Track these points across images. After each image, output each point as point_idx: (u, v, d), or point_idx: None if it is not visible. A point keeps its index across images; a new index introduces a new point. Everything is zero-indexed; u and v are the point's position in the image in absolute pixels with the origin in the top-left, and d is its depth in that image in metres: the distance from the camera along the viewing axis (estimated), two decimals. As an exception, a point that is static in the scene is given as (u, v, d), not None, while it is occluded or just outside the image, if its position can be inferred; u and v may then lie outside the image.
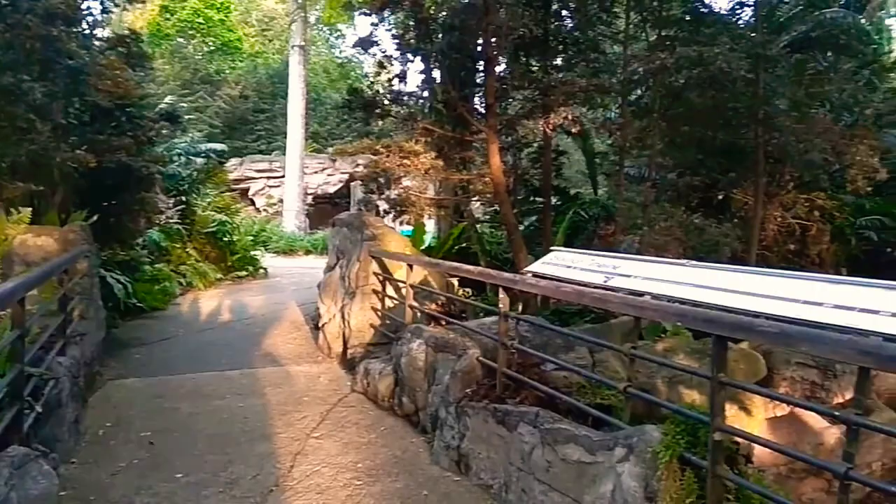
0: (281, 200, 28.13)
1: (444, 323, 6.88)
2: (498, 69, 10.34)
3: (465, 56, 10.25)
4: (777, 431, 7.88)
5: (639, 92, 11.17)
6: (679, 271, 3.55)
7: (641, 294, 3.39)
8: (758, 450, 7.71)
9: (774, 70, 9.35)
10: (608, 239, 11.34)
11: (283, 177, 28.01)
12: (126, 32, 10.31)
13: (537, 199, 12.70)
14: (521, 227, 12.91)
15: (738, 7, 10.83)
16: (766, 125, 9.50)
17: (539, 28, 9.39)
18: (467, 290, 9.98)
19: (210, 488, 4.55)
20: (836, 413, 2.49)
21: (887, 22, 20.14)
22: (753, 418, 7.66)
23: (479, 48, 10.04)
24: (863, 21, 12.76)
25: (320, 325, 9.22)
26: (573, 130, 11.09)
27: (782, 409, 7.73)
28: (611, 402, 4.52)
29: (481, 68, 10.30)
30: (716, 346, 2.76)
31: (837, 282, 2.73)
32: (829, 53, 10.85)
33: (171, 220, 13.93)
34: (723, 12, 10.73)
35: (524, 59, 10.59)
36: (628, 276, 3.73)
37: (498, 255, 13.05)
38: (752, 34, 9.74)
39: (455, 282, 8.63)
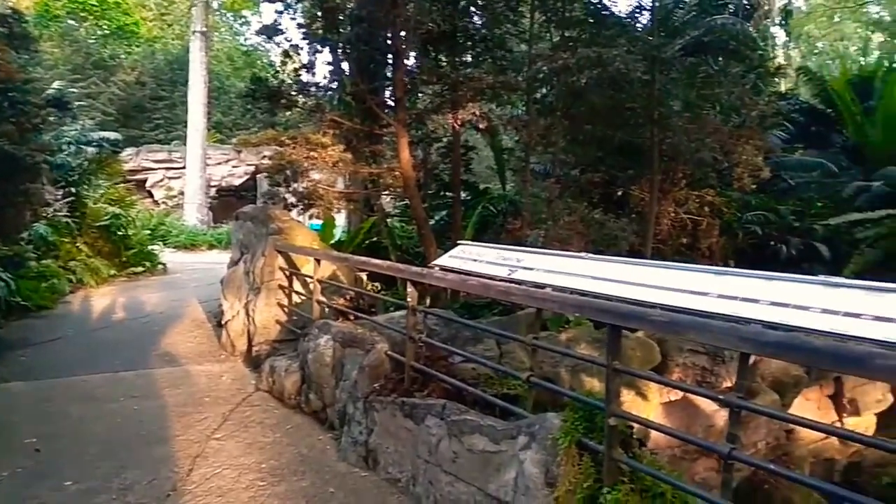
0: (182, 193, 26.89)
1: (352, 318, 6.82)
2: (407, 63, 10.32)
3: (374, 48, 10.16)
4: (671, 415, 8.34)
5: (544, 90, 11.48)
6: (579, 264, 3.68)
7: (543, 286, 3.48)
8: (654, 433, 8.13)
9: (669, 73, 9.87)
10: (516, 233, 11.60)
11: (183, 168, 26.77)
12: (8, 11, 9.51)
13: (447, 193, 12.81)
14: (432, 222, 12.99)
15: (636, 11, 11.32)
16: (661, 125, 10.00)
17: (447, 24, 9.44)
18: (377, 284, 9.93)
19: (102, 495, 4.30)
20: (720, 396, 2.66)
21: (772, 30, 21.76)
22: (650, 403, 8.08)
23: (388, 41, 9.98)
24: (750, 28, 13.69)
25: (223, 322, 8.90)
26: (481, 126, 11.24)
27: (676, 394, 8.20)
28: (517, 391, 4.64)
29: (391, 61, 10.25)
30: (610, 335, 2.88)
31: (722, 273, 2.91)
32: (720, 58, 11.57)
33: (59, 213, 13.00)
34: (622, 16, 11.18)
35: (433, 53, 10.63)
36: (531, 268, 3.82)
37: (409, 250, 13.07)
38: (650, 38, 10.22)
39: (364, 276, 8.56)
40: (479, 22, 10.34)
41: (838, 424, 9.43)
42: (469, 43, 10.46)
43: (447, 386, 4.56)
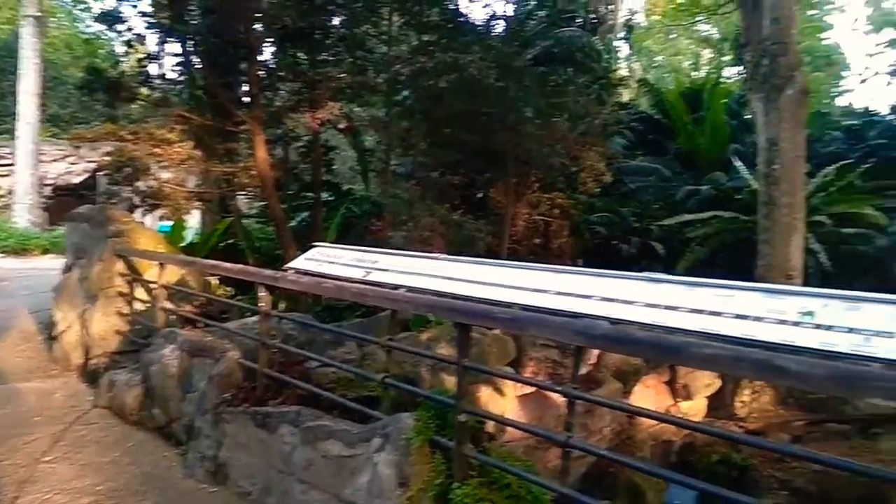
0: (11, 192, 24.09)
1: (201, 325, 6.45)
2: (263, 59, 9.95)
3: (227, 41, 9.67)
4: (526, 407, 8.68)
5: (405, 93, 11.57)
6: (433, 265, 3.74)
7: (397, 287, 3.50)
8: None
9: (522, 81, 10.31)
10: (379, 234, 11.61)
11: (12, 165, 24.00)
12: None
13: (308, 194, 12.53)
14: (293, 223, 12.65)
15: (491, 20, 11.72)
16: (515, 131, 10.43)
17: (305, 20, 9.22)
18: (229, 289, 9.49)
19: None
20: (557, 388, 2.81)
21: (616, 43, 23.43)
22: (506, 397, 8.37)
23: (241, 34, 9.56)
24: (595, 41, 14.66)
25: (55, 334, 8.08)
26: (342, 126, 11.13)
27: (530, 388, 8.56)
28: (378, 393, 4.62)
29: (245, 56, 9.83)
30: (460, 333, 2.95)
31: (560, 271, 3.07)
32: (569, 68, 12.27)
33: None
34: (478, 23, 11.53)
35: (291, 50, 10.33)
36: (387, 270, 3.83)
37: (268, 252, 12.64)
38: (503, 46, 10.62)
39: (215, 281, 8.14)
40: (338, 21, 10.20)
41: (674, 409, 10.33)
42: (328, 41, 10.29)
43: (303, 392, 4.45)
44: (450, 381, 7.23)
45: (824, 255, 12.71)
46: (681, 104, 17.59)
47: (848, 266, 13.16)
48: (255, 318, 5.73)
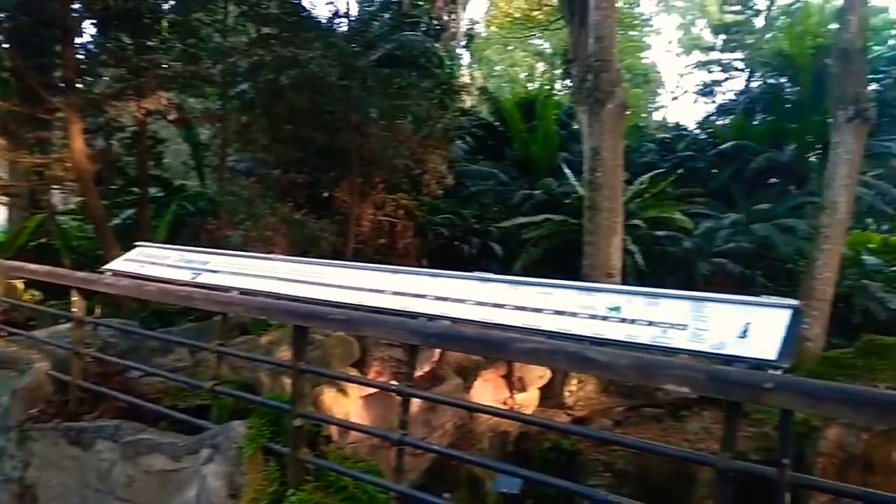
0: None
1: (4, 334, 5.72)
2: (82, 41, 9.06)
3: (39, 21, 8.69)
4: (371, 407, 8.69)
5: (244, 86, 11.09)
6: (268, 266, 3.62)
7: (229, 289, 3.35)
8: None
9: (365, 81, 10.31)
10: (215, 233, 11.01)
11: None
12: None
13: (135, 189, 11.57)
14: (118, 221, 11.63)
15: (335, 18, 11.60)
16: (359, 131, 10.41)
17: (131, 2, 8.52)
18: (37, 293, 8.50)
19: None
20: (392, 386, 2.86)
21: (458, 51, 24.19)
22: (350, 398, 8.32)
23: (56, 14, 8.62)
24: (438, 48, 15.01)
25: None
26: (172, 118, 10.40)
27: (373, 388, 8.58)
28: (211, 403, 4.37)
29: (60, 37, 8.86)
30: (295, 335, 2.88)
31: (397, 272, 3.12)
32: (413, 72, 12.46)
33: None
34: (321, 20, 11.35)
35: (115, 33, 9.49)
36: (217, 271, 3.64)
37: (88, 253, 11.49)
38: (347, 45, 10.55)
39: (21, 285, 7.27)
40: (168, 5, 9.54)
41: (510, 401, 10.89)
42: (157, 27, 9.58)
43: (123, 404, 4.10)
44: (291, 386, 7.05)
45: (640, 256, 14.05)
46: (517, 113, 18.56)
47: (660, 265, 14.67)
48: (67, 326, 5.19)
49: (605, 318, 2.34)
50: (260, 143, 10.17)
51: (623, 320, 2.31)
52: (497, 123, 19.67)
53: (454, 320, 2.55)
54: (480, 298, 2.64)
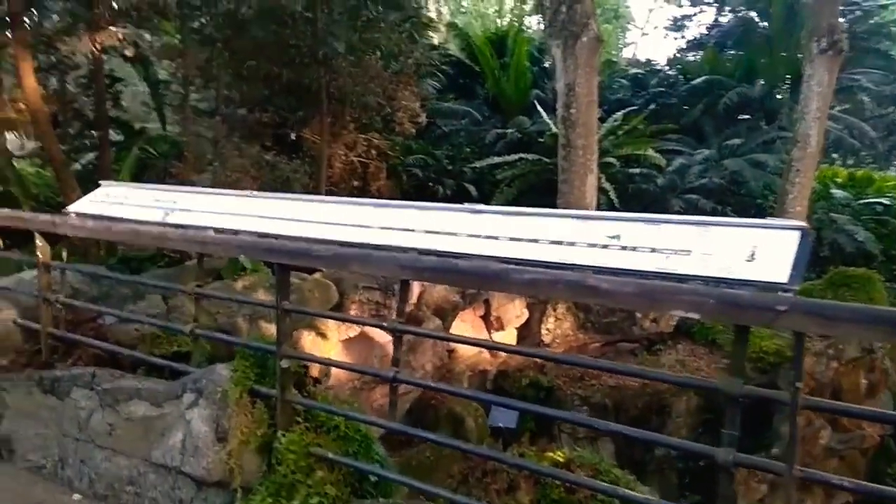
0: None
1: (-36, 284, 5.47)
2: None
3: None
4: (351, 350, 8.69)
5: (203, 20, 10.50)
6: (244, 203, 3.44)
7: (204, 229, 3.18)
8: (335, 369, 8.36)
9: (331, 13, 9.84)
10: (182, 177, 10.64)
11: None
12: None
13: (94, 132, 11.06)
14: (79, 166, 11.17)
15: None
16: (327, 66, 10.00)
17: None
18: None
19: None
20: (384, 324, 2.76)
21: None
22: (329, 341, 8.27)
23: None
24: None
25: None
26: (129, 54, 9.85)
27: (354, 330, 8.53)
28: (191, 348, 4.25)
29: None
30: (279, 274, 2.75)
31: (382, 206, 2.98)
32: (379, 6, 11.94)
33: None
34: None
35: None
36: (190, 210, 3.46)
37: (49, 200, 11.05)
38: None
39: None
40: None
41: (489, 340, 10.98)
42: (106, -45, 8.94)
43: (98, 352, 3.96)
44: (269, 330, 6.92)
45: (614, 194, 14.05)
46: (488, 49, 18.09)
47: (633, 203, 14.70)
48: (33, 273, 4.96)
49: (605, 247, 2.25)
50: (222, 81, 9.70)
51: (624, 248, 2.22)
52: (468, 61, 19.18)
53: (446, 254, 2.44)
54: (473, 231, 2.53)
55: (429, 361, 10.06)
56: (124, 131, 12.79)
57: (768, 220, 2.13)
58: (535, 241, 2.39)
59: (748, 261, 2.00)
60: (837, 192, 15.94)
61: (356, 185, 11.97)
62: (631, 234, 2.26)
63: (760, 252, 2.01)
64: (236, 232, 3.09)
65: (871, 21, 17.43)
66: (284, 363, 2.77)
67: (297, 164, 9.55)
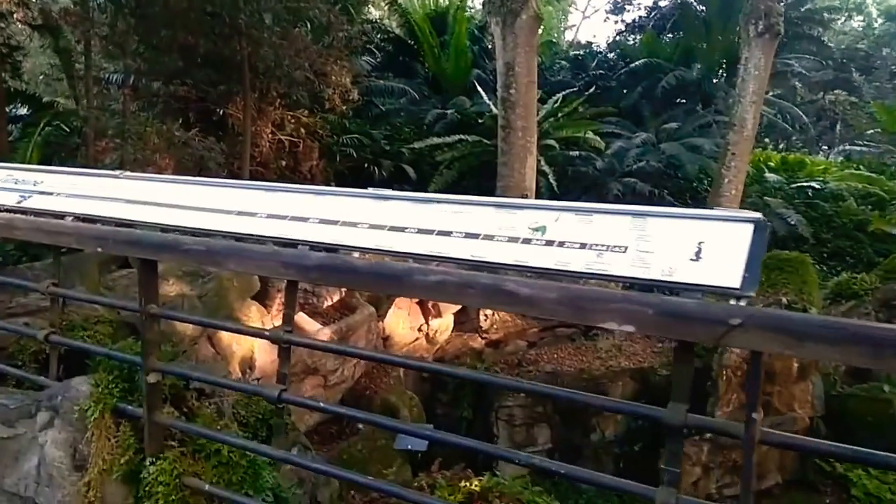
0: None
1: None
2: None
3: None
4: (272, 348, 8.20)
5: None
6: (115, 186, 2.92)
7: (63, 215, 2.66)
8: (259, 361, 7.83)
9: (254, -21, 9.14)
10: (98, 156, 9.77)
11: None
12: None
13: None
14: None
15: None
16: (250, 37, 9.29)
17: None
18: None
19: None
20: (267, 333, 2.34)
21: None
22: (247, 339, 7.75)
23: None
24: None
25: None
26: (31, 21, 8.91)
27: (279, 320, 8.00)
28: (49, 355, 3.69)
29: None
30: (142, 271, 2.28)
31: (273, 189, 2.53)
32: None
33: None
34: None
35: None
36: (52, 193, 2.92)
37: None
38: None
39: None
40: None
41: (425, 327, 10.65)
42: None
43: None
44: (179, 327, 6.36)
45: (553, 177, 13.85)
46: (427, 27, 17.57)
47: (573, 186, 14.57)
48: None
49: (527, 241, 1.88)
50: (128, 50, 8.84)
51: (550, 243, 1.85)
52: (407, 38, 18.62)
53: (342, 248, 2.02)
54: (376, 220, 2.12)
55: (366, 345, 9.65)
56: (31, 105, 11.74)
57: (717, 211, 1.79)
58: (448, 233, 2.00)
59: (693, 260, 1.66)
60: (771, 176, 16.23)
61: (285, 164, 11.31)
62: (558, 225, 1.90)
63: (708, 249, 1.68)
64: (98, 219, 2.58)
65: (804, 7, 17.73)
66: (152, 377, 2.31)
67: (212, 142, 8.84)
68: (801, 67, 18.83)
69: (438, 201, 2.17)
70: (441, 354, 11.21)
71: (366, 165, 13.22)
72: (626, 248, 1.77)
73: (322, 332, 8.79)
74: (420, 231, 2.06)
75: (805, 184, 15.93)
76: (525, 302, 1.63)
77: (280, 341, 2.10)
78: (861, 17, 26.11)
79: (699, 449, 8.17)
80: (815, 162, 19.38)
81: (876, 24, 25.21)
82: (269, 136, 10.73)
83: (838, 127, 25.03)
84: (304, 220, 2.23)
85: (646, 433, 9.25)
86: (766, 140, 21.88)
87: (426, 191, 13.11)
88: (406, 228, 2.07)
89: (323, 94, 10.43)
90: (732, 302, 1.54)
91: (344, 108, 10.23)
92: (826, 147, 25.52)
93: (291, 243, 2.15)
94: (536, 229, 1.92)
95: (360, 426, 8.99)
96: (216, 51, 9.37)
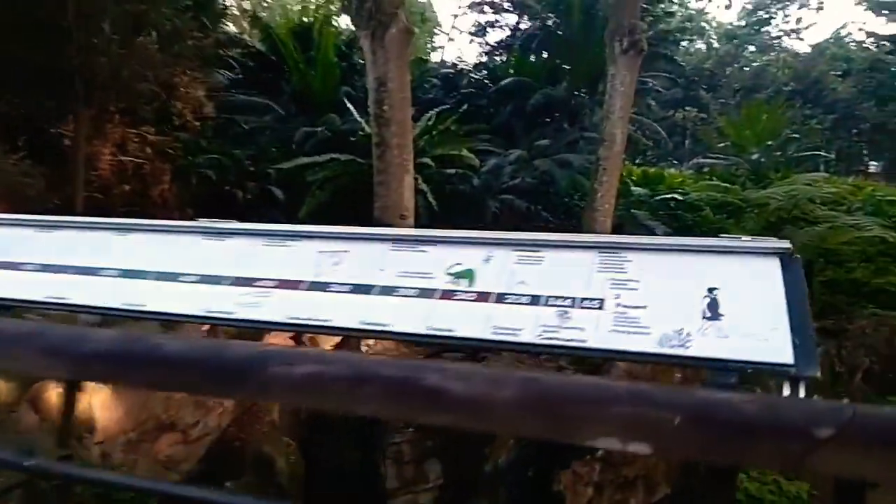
0: None
1: None
2: None
3: None
4: (123, 396, 7.24)
5: None
6: None
7: None
8: (109, 418, 6.63)
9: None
10: None
11: None
12: None
13: None
14: None
15: None
16: (82, 45, 8.00)
17: None
18: None
19: None
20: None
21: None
22: (87, 388, 6.64)
23: None
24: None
25: None
26: None
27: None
28: None
29: None
30: None
31: (50, 226, 1.69)
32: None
33: None
34: None
35: None
36: None
37: None
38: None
39: None
40: None
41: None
42: None
43: None
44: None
45: (431, 196, 13.40)
46: (291, 42, 16.69)
47: (451, 204, 14.19)
48: None
49: (449, 295, 1.21)
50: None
51: (483, 297, 1.20)
52: (270, 53, 17.54)
53: (150, 317, 1.26)
54: (207, 269, 1.36)
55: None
56: None
57: (724, 241, 1.22)
58: (324, 286, 1.29)
59: (709, 318, 1.07)
60: (637, 189, 16.82)
61: (130, 189, 9.92)
62: (491, 268, 1.25)
63: (726, 299, 1.09)
64: None
65: (658, 27, 18.70)
66: None
67: (28, 166, 7.44)
68: (656, 86, 19.85)
69: (308, 235, 1.45)
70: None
71: (226, 188, 12.04)
72: (602, 300, 1.14)
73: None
74: (280, 284, 1.33)
75: (668, 196, 16.65)
76: (459, 406, 0.96)
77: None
78: (703, 40, 28.30)
79: (591, 468, 7.99)
80: (672, 175, 20.47)
81: (717, 46, 27.39)
82: (110, 157, 9.34)
83: (687, 142, 26.84)
84: (93, 272, 1.42)
85: (539, 457, 8.97)
86: (623, 155, 22.92)
87: (298, 213, 12.19)
88: (257, 281, 1.33)
89: (172, 108, 9.21)
90: (797, 392, 0.95)
91: (198, 125, 9.10)
92: (676, 161, 27.23)
93: (69, 307, 1.35)
94: (459, 275, 1.25)
95: (228, 484, 7.99)
96: (44, 62, 7.94)
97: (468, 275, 1.25)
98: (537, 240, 1.28)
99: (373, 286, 1.25)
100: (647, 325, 1.08)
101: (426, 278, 1.25)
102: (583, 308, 1.13)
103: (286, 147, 14.47)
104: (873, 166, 25.69)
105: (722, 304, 1.09)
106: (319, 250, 1.36)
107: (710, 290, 1.12)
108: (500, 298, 1.18)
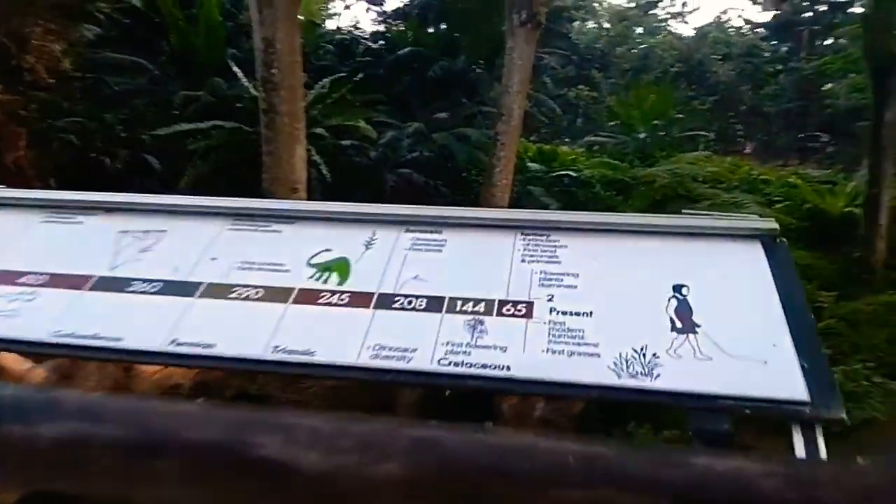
0: None
1: None
2: None
3: None
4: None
5: None
6: None
7: None
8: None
9: None
10: None
11: None
12: None
13: None
14: None
15: None
16: None
17: None
18: None
19: None
20: None
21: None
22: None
23: None
24: None
25: None
26: None
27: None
28: None
29: None
30: None
31: None
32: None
33: None
34: None
35: None
36: None
37: None
38: None
39: None
40: None
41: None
42: None
43: None
44: None
45: (325, 168, 12.73)
46: (170, -2, 15.24)
47: (346, 177, 13.58)
48: None
49: (311, 296, 0.81)
50: None
51: (356, 297, 0.80)
52: (148, 11, 15.95)
53: None
54: None
55: (98, 386, 7.74)
56: None
57: (690, 219, 0.90)
58: (122, 283, 0.85)
59: (678, 330, 0.73)
60: (533, 165, 16.89)
61: (-25, 156, 8.65)
62: (372, 256, 0.86)
63: (700, 301, 0.76)
64: None
65: (556, 2, 18.75)
66: None
67: None
68: (552, 63, 19.97)
69: (108, 207, 1.00)
70: (203, 378, 9.59)
71: (93, 155, 10.82)
72: (530, 304, 0.78)
73: (34, 372, 6.78)
74: (53, 280, 0.88)
75: (563, 172, 16.83)
76: (312, 489, 0.59)
77: None
78: (594, 20, 28.88)
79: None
80: (565, 152, 20.78)
81: (608, 26, 28.05)
82: (-55, 118, 8.07)
83: (579, 120, 27.40)
84: None
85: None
86: (520, 131, 23.07)
87: (177, 184, 11.22)
88: (19, 276, 0.88)
89: (23, 63, 8.02)
90: (815, 442, 0.64)
91: (52, 82, 7.98)
92: (568, 139, 27.79)
93: None
94: (326, 268, 0.85)
95: None
96: None
97: (339, 266, 0.86)
98: (438, 217, 0.91)
99: (195, 284, 0.84)
100: (594, 341, 0.74)
101: (277, 271, 0.86)
102: (503, 316, 0.77)
103: (164, 112, 13.24)
104: (748, 146, 27.48)
105: (696, 310, 0.77)
106: (122, 230, 0.93)
107: (677, 288, 0.80)
108: (385, 302, 0.81)
